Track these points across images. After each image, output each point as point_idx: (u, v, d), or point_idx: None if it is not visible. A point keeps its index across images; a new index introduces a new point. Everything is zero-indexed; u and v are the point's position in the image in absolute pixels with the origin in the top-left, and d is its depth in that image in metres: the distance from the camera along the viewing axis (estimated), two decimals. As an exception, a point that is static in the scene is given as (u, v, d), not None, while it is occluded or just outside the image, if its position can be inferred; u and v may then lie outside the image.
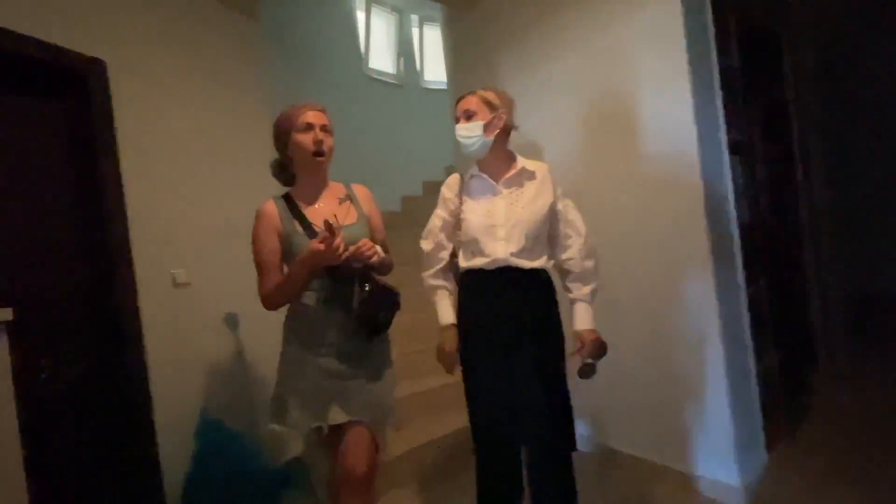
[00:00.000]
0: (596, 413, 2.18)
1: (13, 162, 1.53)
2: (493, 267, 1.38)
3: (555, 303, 1.46)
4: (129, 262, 1.70)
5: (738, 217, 1.88)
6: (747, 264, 1.91)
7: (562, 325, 1.45)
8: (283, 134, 1.34)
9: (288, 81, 3.07)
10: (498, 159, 1.44)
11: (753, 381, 1.91)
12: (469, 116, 1.39)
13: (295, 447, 1.24)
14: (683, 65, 1.72)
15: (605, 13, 1.96)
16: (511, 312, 1.37)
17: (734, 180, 1.89)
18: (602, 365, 1.38)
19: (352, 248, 1.24)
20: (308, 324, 1.30)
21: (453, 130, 1.42)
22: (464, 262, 1.44)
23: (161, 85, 1.92)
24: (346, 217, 1.36)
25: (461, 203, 1.45)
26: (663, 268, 1.87)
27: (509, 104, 1.44)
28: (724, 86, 1.88)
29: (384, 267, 1.40)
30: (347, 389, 1.29)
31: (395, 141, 4.60)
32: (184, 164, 1.95)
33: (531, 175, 1.43)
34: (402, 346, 2.81)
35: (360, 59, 4.57)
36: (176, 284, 1.86)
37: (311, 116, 1.32)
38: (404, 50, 5.11)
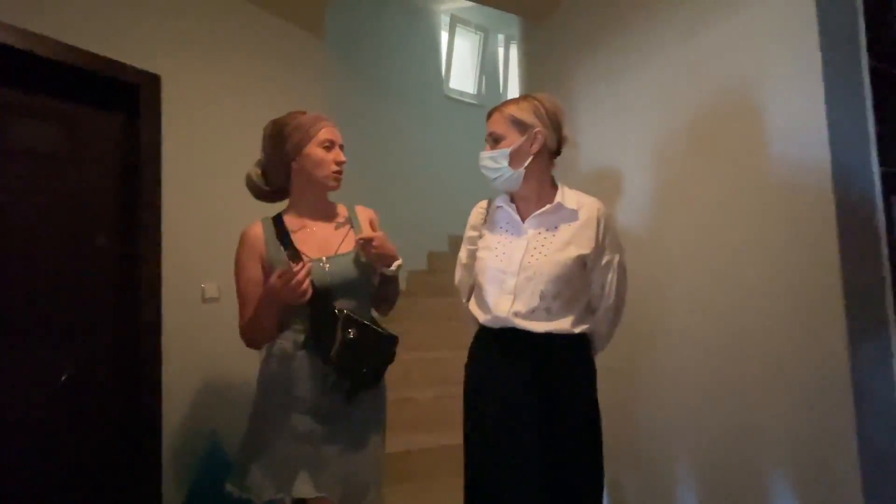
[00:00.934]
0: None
1: (66, 166, 1.58)
2: (495, 326, 1.09)
3: (587, 379, 1.13)
4: (157, 274, 1.68)
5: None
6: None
7: (598, 412, 1.10)
8: (292, 143, 1.17)
9: (357, 100, 3.05)
10: (534, 188, 1.14)
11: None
12: (495, 140, 1.11)
13: None
14: (816, 63, 1.24)
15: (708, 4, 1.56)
16: (516, 389, 1.06)
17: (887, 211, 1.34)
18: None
19: (359, 240, 1.09)
20: (282, 371, 1.12)
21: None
22: (472, 310, 1.16)
23: (213, 100, 1.93)
24: (342, 245, 1.17)
25: (480, 236, 1.19)
26: (781, 315, 1.36)
27: (553, 117, 1.13)
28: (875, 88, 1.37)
29: (389, 294, 1.22)
30: (320, 457, 1.07)
31: (474, 161, 4.42)
32: (226, 178, 1.92)
33: (570, 215, 1.12)
34: (433, 387, 2.63)
35: (439, 78, 4.50)
36: (205, 299, 1.82)
37: (332, 133, 1.19)
38: (487, 69, 4.97)
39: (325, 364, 1.06)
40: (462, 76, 4.84)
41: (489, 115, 1.15)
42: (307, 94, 2.32)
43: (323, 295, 1.07)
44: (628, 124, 1.88)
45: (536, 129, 1.10)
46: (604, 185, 1.99)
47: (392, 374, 1.19)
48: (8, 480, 1.36)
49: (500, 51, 5.20)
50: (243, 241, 1.17)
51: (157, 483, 1.62)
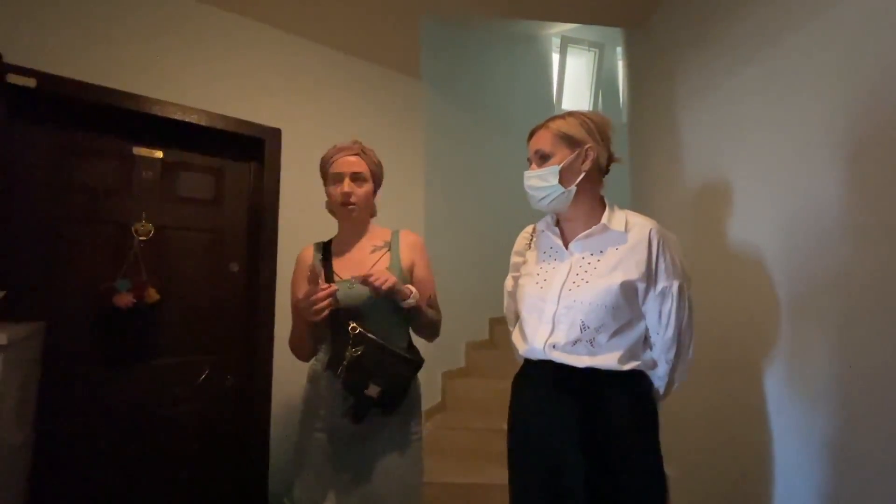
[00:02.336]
0: None
1: (212, 205, 1.99)
2: (534, 358, 1.02)
3: (645, 421, 0.98)
4: (272, 298, 1.97)
5: None
6: None
7: (659, 459, 0.94)
8: (323, 179, 1.31)
9: (457, 133, 3.19)
10: (583, 209, 1.06)
11: None
12: (542, 158, 1.05)
13: None
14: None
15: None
16: (562, 438, 0.96)
17: None
18: None
19: (360, 276, 1.08)
20: (311, 391, 1.19)
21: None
22: (514, 340, 1.10)
23: (325, 147, 2.21)
24: (374, 267, 1.21)
25: (524, 262, 1.13)
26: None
27: (603, 132, 1.06)
28: None
29: (424, 323, 1.19)
30: (341, 479, 1.10)
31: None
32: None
33: (618, 238, 1.01)
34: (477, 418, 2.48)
35: (550, 102, 4.45)
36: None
37: (341, 165, 1.25)
38: (603, 85, 4.75)
39: (342, 385, 1.08)
40: (577, 96, 4.70)
41: (532, 133, 1.10)
42: (406, 132, 2.54)
43: (350, 315, 1.09)
44: (735, 131, 1.62)
45: (588, 146, 1.03)
46: (709, 199, 1.74)
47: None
48: (159, 445, 1.73)
49: (620, 63, 4.92)
50: (297, 262, 1.30)
51: (265, 466, 1.88)
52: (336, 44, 2.28)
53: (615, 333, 0.97)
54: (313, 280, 1.06)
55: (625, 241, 1.00)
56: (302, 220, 2.08)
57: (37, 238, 1.57)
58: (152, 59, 1.78)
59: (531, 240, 1.16)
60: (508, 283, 1.20)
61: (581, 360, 0.97)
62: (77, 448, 1.57)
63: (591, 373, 0.96)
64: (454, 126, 3.16)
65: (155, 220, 1.80)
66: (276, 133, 2.09)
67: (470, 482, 2.16)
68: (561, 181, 1.02)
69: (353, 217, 1.27)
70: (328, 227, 1.50)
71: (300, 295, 1.11)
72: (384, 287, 1.07)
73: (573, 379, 0.97)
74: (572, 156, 1.02)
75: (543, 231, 1.12)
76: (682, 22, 1.95)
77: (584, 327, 0.97)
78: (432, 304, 1.25)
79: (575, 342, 0.97)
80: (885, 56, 1.07)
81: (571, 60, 4.66)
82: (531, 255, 1.13)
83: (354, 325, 1.07)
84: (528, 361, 1.08)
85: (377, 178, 1.32)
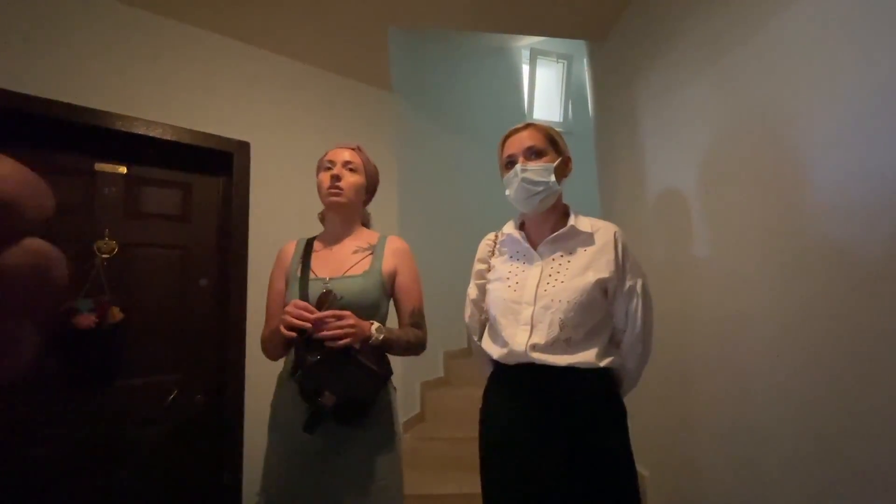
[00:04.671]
0: None
1: (179, 221, 1.95)
2: (511, 361, 1.03)
3: (619, 423, 1.00)
4: (242, 314, 1.94)
5: None
6: None
7: (631, 455, 0.97)
8: (316, 177, 1.28)
9: (429, 142, 3.22)
10: (553, 212, 1.11)
11: None
12: (536, 154, 1.06)
13: None
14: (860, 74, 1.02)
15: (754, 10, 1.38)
16: (539, 441, 0.97)
17: None
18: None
19: (325, 314, 1.00)
20: (276, 397, 1.17)
21: (501, 180, 1.14)
22: (485, 346, 1.11)
23: (295, 160, 2.21)
24: (353, 268, 1.18)
25: (489, 269, 1.15)
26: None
27: (567, 149, 1.12)
28: None
29: (401, 351, 1.14)
30: (304, 487, 1.06)
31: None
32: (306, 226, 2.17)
33: (587, 239, 1.05)
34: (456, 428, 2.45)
35: (521, 110, 4.54)
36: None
37: (335, 154, 1.24)
38: (573, 95, 4.87)
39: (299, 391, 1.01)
40: (547, 105, 4.81)
41: (512, 133, 1.11)
42: (378, 142, 2.55)
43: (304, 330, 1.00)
44: (682, 143, 1.70)
45: (567, 154, 1.10)
46: (665, 207, 1.81)
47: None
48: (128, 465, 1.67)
49: (587, 74, 5.07)
50: (278, 255, 1.27)
51: (239, 484, 1.83)
52: (304, 57, 2.29)
53: (590, 331, 1.00)
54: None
55: (592, 242, 1.04)
56: (272, 233, 2.06)
57: (-9, 259, 1.51)
58: (113, 73, 1.75)
59: (494, 246, 1.18)
60: (472, 291, 1.20)
61: (561, 359, 0.98)
62: (39, 475, 1.50)
63: (570, 371, 0.98)
64: (426, 136, 3.19)
65: (119, 237, 1.75)
66: (244, 146, 2.07)
67: (448, 493, 2.15)
68: (554, 178, 1.05)
69: (339, 207, 1.21)
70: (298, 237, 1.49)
71: (279, 290, 1.12)
72: (338, 343, 0.99)
73: (550, 379, 0.99)
74: (559, 159, 1.07)
75: (509, 235, 1.14)
76: (640, 35, 2.03)
77: (562, 325, 0.98)
78: (415, 316, 1.20)
79: (553, 342, 0.99)
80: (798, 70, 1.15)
81: (541, 71, 4.77)
82: (497, 261, 1.15)
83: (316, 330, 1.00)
84: (500, 366, 1.08)
85: (370, 178, 1.29)
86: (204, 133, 1.95)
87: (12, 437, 1.46)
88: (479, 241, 1.22)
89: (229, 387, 1.88)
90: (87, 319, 1.50)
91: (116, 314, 1.57)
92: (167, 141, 1.85)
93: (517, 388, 1.03)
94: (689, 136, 1.68)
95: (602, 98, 2.52)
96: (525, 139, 1.08)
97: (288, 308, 1.02)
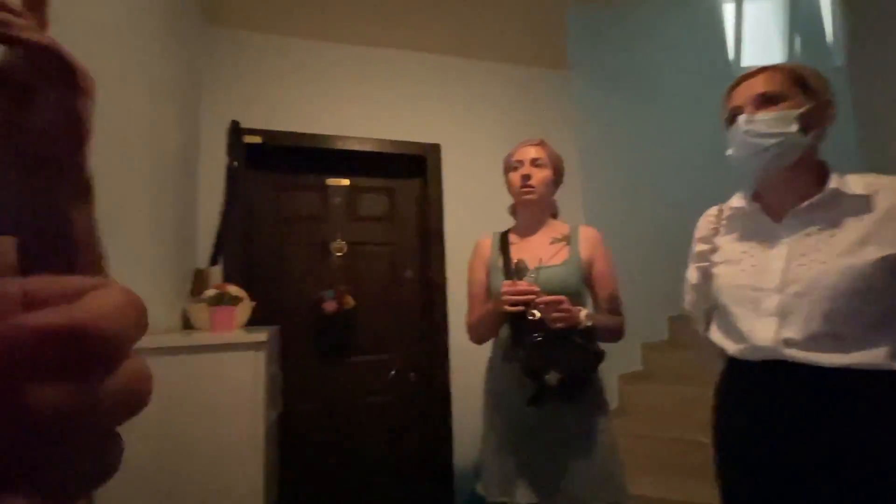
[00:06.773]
0: None
1: (388, 221, 2.24)
2: (755, 358, 0.85)
3: None
4: (443, 297, 2.13)
5: None
6: None
7: None
8: (505, 176, 1.33)
9: (620, 115, 2.97)
10: (800, 175, 0.87)
11: None
12: (769, 101, 0.85)
13: None
14: None
15: None
16: (795, 444, 0.80)
17: None
18: None
19: (544, 299, 1.04)
20: (491, 381, 1.22)
21: (725, 132, 0.93)
22: (717, 339, 0.95)
23: (481, 155, 2.30)
24: (554, 257, 1.20)
25: (713, 250, 0.97)
26: None
27: (830, 89, 0.86)
28: None
29: (600, 332, 1.12)
30: (529, 466, 1.11)
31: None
32: (495, 218, 2.26)
33: (860, 204, 0.80)
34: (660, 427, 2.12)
35: (725, 61, 3.81)
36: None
37: (521, 153, 1.27)
38: (804, 29, 3.87)
39: (521, 370, 1.08)
40: (762, 49, 3.92)
41: (747, 77, 0.90)
42: (559, 126, 2.47)
43: (528, 304, 1.09)
44: None
45: (828, 98, 0.86)
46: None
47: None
48: (363, 434, 2.02)
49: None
50: (474, 249, 1.36)
51: (450, 456, 2.03)
52: (482, 54, 2.36)
53: (872, 324, 0.78)
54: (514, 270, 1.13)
55: (869, 208, 0.80)
56: (466, 225, 2.20)
57: (269, 259, 2.00)
58: (329, 102, 2.11)
59: (719, 222, 1.00)
60: (692, 274, 1.05)
61: (830, 359, 0.79)
62: (305, 424, 1.95)
63: (843, 374, 0.78)
64: (609, 112, 2.94)
65: (346, 238, 2.11)
66: (435, 148, 2.25)
67: (661, 497, 1.97)
68: (800, 128, 0.83)
69: (532, 203, 1.26)
70: (491, 231, 1.55)
71: (480, 280, 1.22)
72: (557, 324, 1.04)
73: (813, 382, 0.80)
74: (810, 105, 0.84)
75: (739, 208, 0.95)
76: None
77: (828, 318, 0.79)
78: (614, 302, 1.21)
79: (814, 336, 0.80)
80: None
81: (750, 5, 3.92)
82: (724, 240, 0.98)
83: (535, 311, 1.07)
84: (737, 363, 0.92)
85: (557, 169, 1.30)
86: (401, 141, 2.19)
87: (285, 395, 1.92)
88: (680, 220, 1.06)
89: (436, 369, 2.09)
90: (331, 305, 1.86)
91: (350, 301, 1.91)
92: (375, 153, 2.15)
93: (766, 390, 0.86)
94: None
95: (863, 17, 1.91)
96: (756, 85, 0.87)
97: (505, 288, 1.09)
